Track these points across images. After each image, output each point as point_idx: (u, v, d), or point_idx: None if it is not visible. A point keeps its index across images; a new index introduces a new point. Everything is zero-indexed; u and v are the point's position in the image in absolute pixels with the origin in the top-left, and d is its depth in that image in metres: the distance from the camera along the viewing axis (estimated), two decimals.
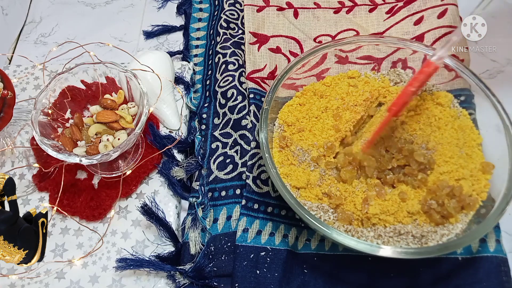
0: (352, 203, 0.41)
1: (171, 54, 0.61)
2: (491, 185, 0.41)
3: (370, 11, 0.61)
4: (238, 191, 0.48)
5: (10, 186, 0.37)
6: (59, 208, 0.48)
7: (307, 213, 0.38)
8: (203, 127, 0.54)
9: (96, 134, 0.47)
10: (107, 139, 0.46)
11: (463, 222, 0.39)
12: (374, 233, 0.39)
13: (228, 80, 0.55)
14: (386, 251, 0.35)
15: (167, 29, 0.65)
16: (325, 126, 0.46)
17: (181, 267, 0.45)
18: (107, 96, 0.50)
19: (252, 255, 0.44)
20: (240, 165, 0.50)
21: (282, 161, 0.45)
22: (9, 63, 0.64)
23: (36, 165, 0.51)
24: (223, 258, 0.45)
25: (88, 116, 0.49)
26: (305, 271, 0.44)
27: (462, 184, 0.40)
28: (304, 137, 0.46)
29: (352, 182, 0.42)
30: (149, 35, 0.64)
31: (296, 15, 0.61)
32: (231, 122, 0.52)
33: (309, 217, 0.37)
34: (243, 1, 0.62)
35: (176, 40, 0.64)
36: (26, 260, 0.38)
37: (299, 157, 0.44)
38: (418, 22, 0.57)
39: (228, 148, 0.51)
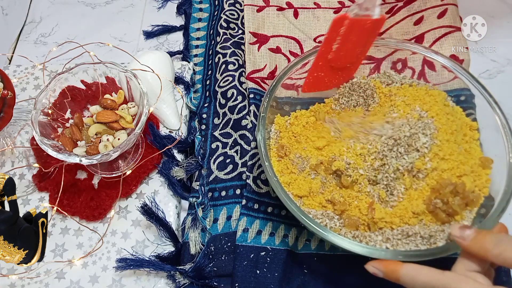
0: (357, 208, 0.40)
1: (171, 54, 0.61)
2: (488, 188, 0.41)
3: None
4: (238, 191, 0.48)
5: (10, 186, 0.37)
6: (59, 208, 0.48)
7: (313, 222, 0.37)
8: (203, 127, 0.54)
9: (96, 134, 0.47)
10: (107, 139, 0.46)
11: (468, 219, 0.39)
12: (382, 237, 0.38)
13: (228, 80, 0.55)
14: (401, 255, 0.35)
15: (167, 29, 0.65)
16: None
17: (181, 267, 0.45)
18: (107, 96, 0.50)
19: (252, 255, 0.44)
20: (240, 165, 0.50)
21: (281, 170, 0.44)
22: (9, 63, 0.64)
23: (36, 165, 0.51)
24: (223, 258, 0.45)
25: (88, 116, 0.49)
26: (305, 271, 0.44)
27: (465, 181, 0.40)
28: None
29: (354, 187, 0.42)
30: (149, 35, 0.64)
31: (296, 15, 0.61)
32: (231, 122, 0.52)
33: (317, 227, 0.37)
34: (243, 1, 0.62)
35: (176, 40, 0.64)
36: (26, 260, 0.38)
37: (299, 165, 0.44)
38: (418, 22, 0.57)
39: (228, 148, 0.51)
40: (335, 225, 0.40)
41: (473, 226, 0.34)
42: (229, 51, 0.57)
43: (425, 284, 0.32)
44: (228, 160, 0.51)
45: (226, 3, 0.62)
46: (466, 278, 0.31)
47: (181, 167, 0.50)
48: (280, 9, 0.61)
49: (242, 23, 0.61)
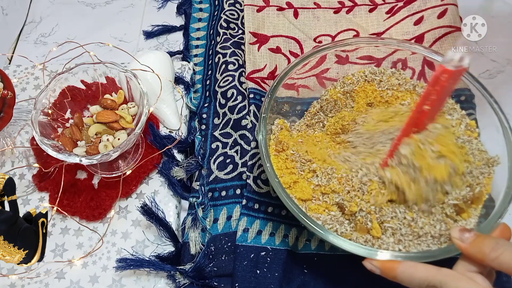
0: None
1: (171, 54, 0.61)
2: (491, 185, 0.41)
3: (370, 11, 0.61)
4: (238, 191, 0.48)
5: (10, 186, 0.37)
6: (59, 208, 0.48)
7: (322, 229, 0.37)
8: (203, 127, 0.54)
9: (96, 134, 0.47)
10: (107, 139, 0.46)
11: (474, 217, 0.39)
12: (393, 239, 0.38)
13: (228, 80, 0.55)
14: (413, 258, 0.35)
15: (167, 29, 0.65)
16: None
17: (181, 267, 0.45)
18: (107, 96, 0.50)
19: (252, 255, 0.44)
20: (240, 165, 0.50)
21: (281, 167, 0.43)
22: (9, 63, 0.64)
23: (36, 165, 0.51)
24: (223, 258, 0.45)
25: (88, 116, 0.49)
26: (305, 271, 0.44)
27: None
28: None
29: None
30: (149, 35, 0.64)
31: (296, 15, 0.61)
32: (231, 122, 0.52)
33: (328, 234, 0.36)
34: (243, 1, 0.62)
35: (176, 40, 0.64)
36: (26, 260, 0.38)
37: (298, 165, 0.43)
38: (418, 22, 0.57)
39: (228, 148, 0.51)
40: (346, 230, 0.39)
41: (473, 230, 0.34)
42: (229, 51, 0.57)
43: (422, 281, 0.32)
44: (228, 160, 0.51)
45: (226, 3, 0.62)
46: (463, 276, 0.31)
47: (181, 167, 0.50)
48: (280, 9, 0.61)
49: (242, 23, 0.61)
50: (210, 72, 0.59)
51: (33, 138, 0.53)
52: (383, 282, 0.36)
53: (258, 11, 0.61)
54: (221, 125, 0.53)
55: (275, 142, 0.45)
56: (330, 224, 0.39)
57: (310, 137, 0.47)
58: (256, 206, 0.46)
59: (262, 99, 0.53)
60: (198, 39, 0.63)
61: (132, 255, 0.45)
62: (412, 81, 0.48)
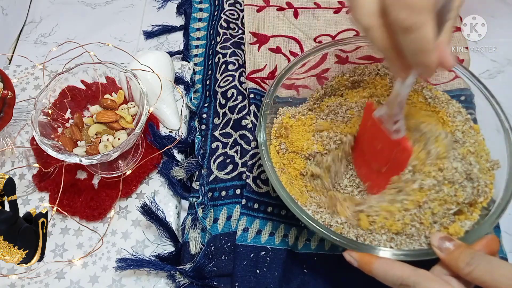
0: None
1: (171, 54, 0.61)
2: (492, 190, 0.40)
3: None
4: (238, 191, 0.48)
5: (10, 186, 0.37)
6: (59, 208, 0.48)
7: (312, 219, 0.37)
8: (203, 127, 0.54)
9: (96, 134, 0.47)
10: (107, 139, 0.46)
11: (471, 219, 0.39)
12: (386, 237, 0.38)
13: (228, 80, 0.55)
14: (390, 254, 0.35)
15: (167, 29, 0.65)
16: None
17: (181, 267, 0.45)
18: (107, 96, 0.50)
19: (252, 255, 0.44)
20: (240, 165, 0.50)
21: (278, 151, 0.44)
22: (9, 63, 0.64)
23: (36, 165, 0.51)
24: (223, 258, 0.45)
25: (88, 116, 0.49)
26: (305, 270, 0.44)
27: None
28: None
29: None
30: (149, 35, 0.64)
31: (296, 15, 0.61)
32: (231, 122, 0.52)
33: (316, 224, 0.37)
34: (243, 1, 0.62)
35: (176, 40, 0.64)
36: (26, 260, 0.38)
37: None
38: None
39: (228, 148, 0.51)
40: (337, 223, 0.40)
41: (454, 239, 0.34)
42: (229, 51, 0.57)
43: (396, 279, 0.32)
44: (228, 160, 0.51)
45: (226, 3, 0.62)
46: (438, 278, 0.31)
47: (181, 167, 0.50)
48: (280, 9, 0.61)
49: (242, 23, 0.61)
50: (210, 72, 0.59)
51: (33, 138, 0.53)
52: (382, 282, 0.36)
53: (258, 11, 0.61)
54: (221, 125, 0.53)
55: (278, 126, 0.45)
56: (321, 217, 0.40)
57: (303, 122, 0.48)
58: (256, 205, 0.46)
59: (262, 99, 0.53)
60: (198, 39, 0.63)
61: (132, 255, 0.45)
62: (422, 83, 0.48)
